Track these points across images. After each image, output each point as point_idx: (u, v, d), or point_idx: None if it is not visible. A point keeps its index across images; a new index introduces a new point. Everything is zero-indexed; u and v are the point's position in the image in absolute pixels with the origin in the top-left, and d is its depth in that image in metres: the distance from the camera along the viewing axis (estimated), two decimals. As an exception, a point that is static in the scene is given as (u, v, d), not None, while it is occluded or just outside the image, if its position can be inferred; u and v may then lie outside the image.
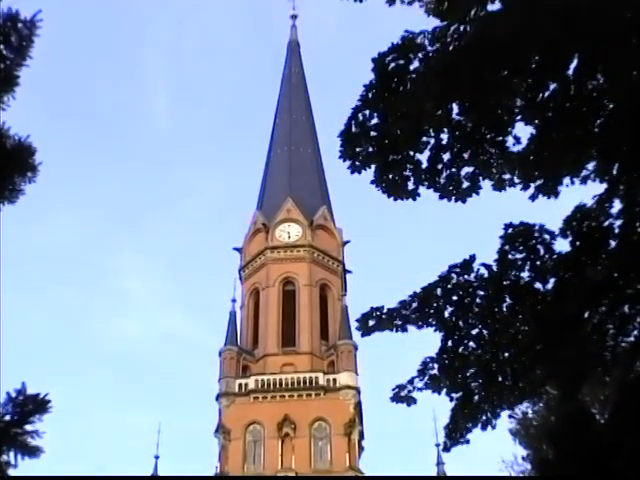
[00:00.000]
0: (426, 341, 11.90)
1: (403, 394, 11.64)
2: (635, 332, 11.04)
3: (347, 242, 61.82)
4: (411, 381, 11.59)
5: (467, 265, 11.27)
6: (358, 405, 52.61)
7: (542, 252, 11.17)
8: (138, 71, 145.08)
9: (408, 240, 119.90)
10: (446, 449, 11.88)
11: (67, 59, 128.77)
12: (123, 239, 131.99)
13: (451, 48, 10.02)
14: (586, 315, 11.10)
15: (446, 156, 10.33)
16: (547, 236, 11.16)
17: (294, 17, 75.62)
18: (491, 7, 9.92)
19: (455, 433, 11.58)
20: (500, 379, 11.32)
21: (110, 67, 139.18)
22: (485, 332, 11.33)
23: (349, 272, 61.35)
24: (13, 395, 8.72)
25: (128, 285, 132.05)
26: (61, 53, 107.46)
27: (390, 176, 10.35)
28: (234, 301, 57.98)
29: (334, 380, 52.97)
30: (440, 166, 10.36)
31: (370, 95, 10.04)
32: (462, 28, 10.12)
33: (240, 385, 53.29)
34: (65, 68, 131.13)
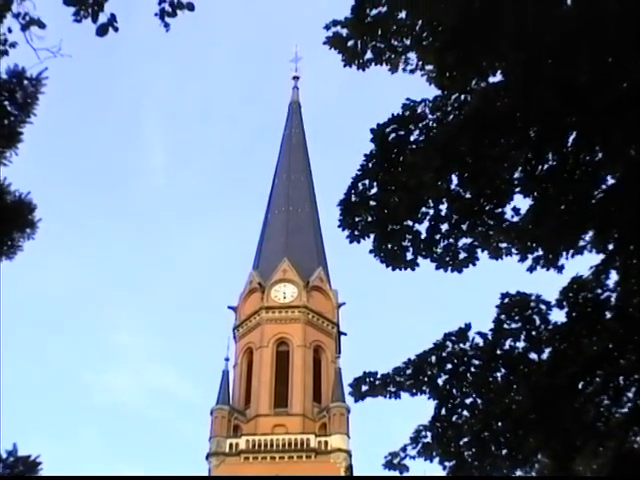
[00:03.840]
0: (420, 406, 11.86)
1: (395, 462, 11.59)
2: (629, 404, 11.03)
3: (342, 304, 61.54)
4: (404, 449, 11.54)
5: (462, 333, 11.28)
6: (349, 469, 51.98)
7: (538, 322, 11.19)
8: (135, 128, 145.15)
9: (404, 305, 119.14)
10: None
11: (65, 115, 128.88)
12: (115, 294, 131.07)
13: (451, 117, 10.12)
14: (580, 386, 11.08)
15: (444, 227, 10.40)
16: (543, 306, 11.19)
17: (296, 78, 75.83)
18: (492, 79, 10.04)
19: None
20: (493, 448, 11.25)
21: (108, 124, 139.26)
22: (479, 401, 11.31)
23: (344, 334, 60.96)
24: (4, 456, 8.65)
25: (119, 340, 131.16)
26: (59, 109, 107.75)
27: (389, 246, 10.41)
28: (227, 360, 57.64)
29: (325, 443, 52.42)
30: (438, 237, 10.42)
31: (370, 165, 10.13)
32: (462, 97, 10.22)
33: (231, 445, 52.70)
34: (62, 123, 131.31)
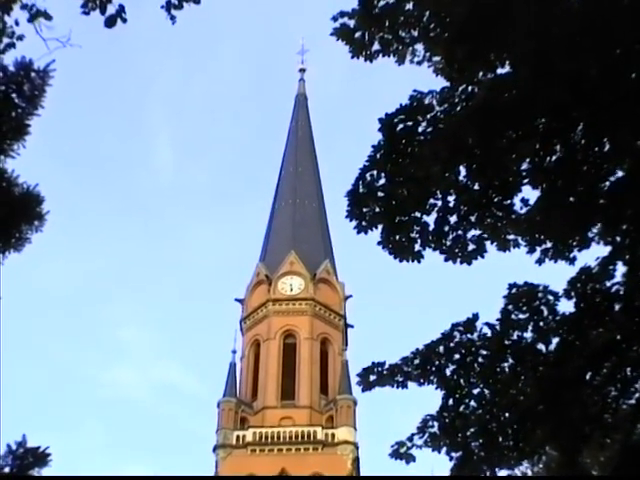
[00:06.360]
0: (427, 398, 11.87)
1: (402, 451, 11.57)
2: (636, 395, 11.03)
3: (349, 296, 61.61)
4: (410, 438, 11.53)
5: (470, 324, 11.28)
6: (356, 461, 52.06)
7: (545, 313, 11.17)
8: (142, 121, 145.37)
9: (411, 296, 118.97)
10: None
11: (72, 108, 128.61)
12: (121, 288, 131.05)
13: (459, 109, 10.11)
14: (588, 377, 11.08)
15: (453, 218, 10.38)
16: (551, 297, 11.18)
17: (302, 71, 75.70)
18: (500, 70, 10.02)
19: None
20: (500, 439, 11.26)
21: (114, 117, 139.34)
22: (486, 392, 11.30)
23: (350, 327, 61.05)
24: (13, 447, 8.66)
25: (125, 335, 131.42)
26: (66, 101, 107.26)
27: (397, 237, 10.42)
28: (234, 352, 57.75)
29: (332, 435, 52.54)
30: (446, 228, 10.42)
31: (378, 156, 10.12)
32: (470, 89, 10.21)
33: (238, 437, 52.85)
34: (69, 116, 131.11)
